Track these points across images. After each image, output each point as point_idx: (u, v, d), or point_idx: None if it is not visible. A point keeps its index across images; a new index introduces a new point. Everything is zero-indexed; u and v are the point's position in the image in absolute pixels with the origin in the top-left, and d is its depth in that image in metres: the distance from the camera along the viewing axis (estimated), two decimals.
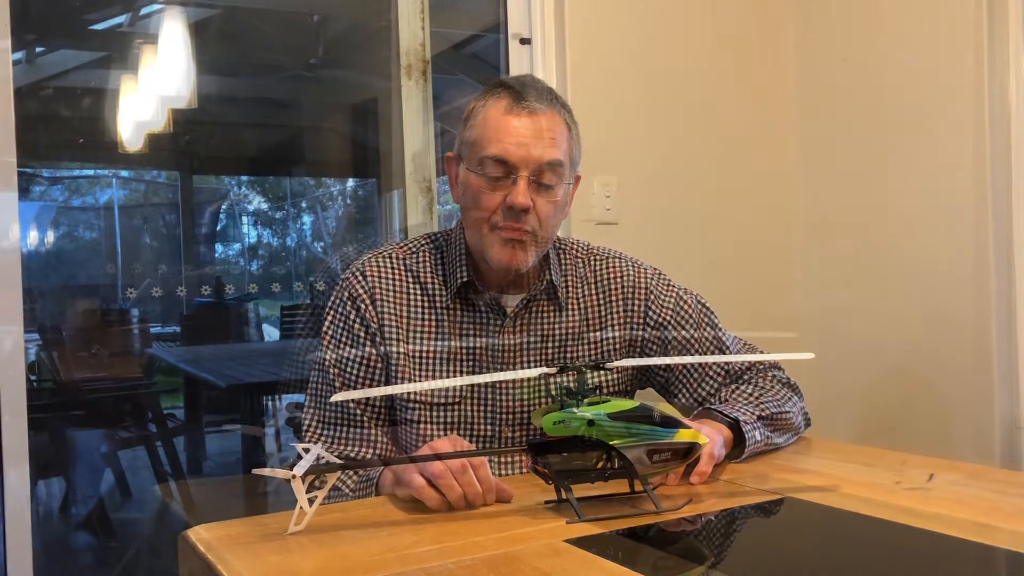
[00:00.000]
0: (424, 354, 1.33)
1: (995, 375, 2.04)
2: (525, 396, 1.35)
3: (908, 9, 2.21)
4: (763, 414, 1.30)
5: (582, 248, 1.44)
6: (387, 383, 1.32)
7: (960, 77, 2.09)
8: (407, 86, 2.08)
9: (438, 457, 1.05)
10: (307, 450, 0.99)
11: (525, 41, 2.19)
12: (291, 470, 0.97)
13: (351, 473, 1.25)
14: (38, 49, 3.23)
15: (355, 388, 1.31)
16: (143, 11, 3.24)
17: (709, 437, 1.15)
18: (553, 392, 1.33)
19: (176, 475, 3.06)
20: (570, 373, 1.07)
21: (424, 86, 2.11)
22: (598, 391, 1.38)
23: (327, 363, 1.33)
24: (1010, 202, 2.05)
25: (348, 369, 1.32)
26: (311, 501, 1.00)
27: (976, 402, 2.07)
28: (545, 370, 1.07)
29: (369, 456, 1.30)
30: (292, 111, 3.94)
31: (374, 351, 1.32)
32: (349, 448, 1.30)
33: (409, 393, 1.31)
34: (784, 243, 2.52)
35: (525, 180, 1.25)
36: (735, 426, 1.24)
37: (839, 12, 2.40)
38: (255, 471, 0.98)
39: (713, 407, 1.29)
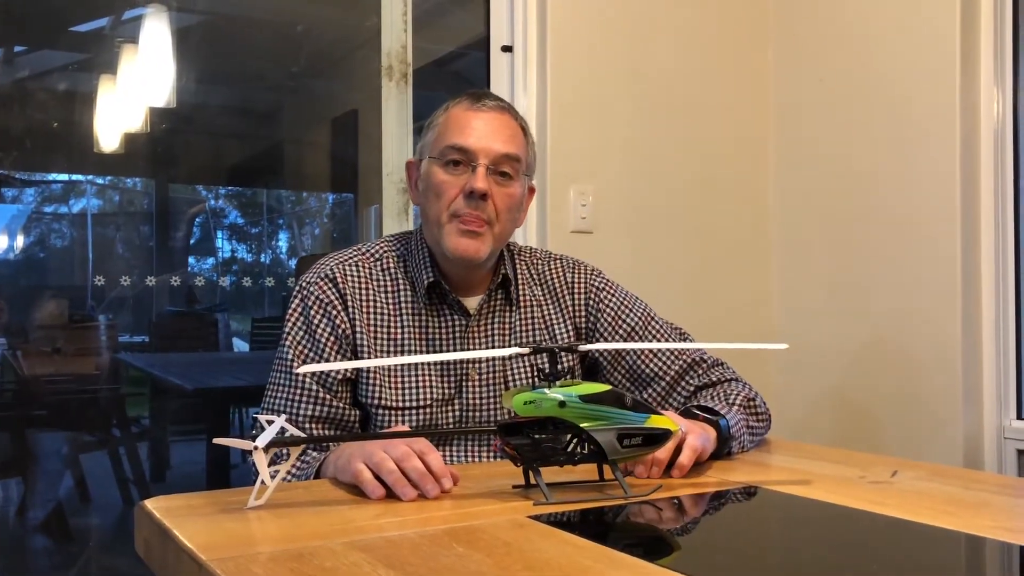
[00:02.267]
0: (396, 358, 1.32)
1: (961, 387, 2.06)
2: (494, 402, 1.35)
3: (883, 28, 2.26)
4: (738, 403, 1.32)
5: (525, 252, 1.48)
6: (357, 389, 1.31)
7: (933, 99, 2.13)
8: (387, 87, 2.09)
9: (399, 435, 1.04)
10: (270, 422, 0.98)
11: (507, 48, 2.21)
12: (253, 441, 0.96)
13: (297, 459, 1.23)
14: (16, 48, 3.21)
15: (329, 389, 1.29)
16: (125, 15, 3.23)
17: (691, 431, 1.15)
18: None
19: (138, 481, 3.00)
20: (542, 354, 1.07)
21: (404, 90, 2.12)
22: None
23: (295, 366, 1.29)
24: (977, 212, 2.09)
25: (325, 375, 1.29)
26: (273, 475, 0.99)
27: (946, 412, 2.09)
28: (518, 350, 1.06)
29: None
30: (273, 122, 3.93)
31: (348, 356, 1.31)
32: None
33: (379, 400, 1.30)
34: (760, 253, 2.55)
35: (484, 168, 1.29)
36: (719, 425, 1.24)
37: (816, 33, 2.45)
38: (215, 440, 0.97)
39: (692, 407, 1.29)
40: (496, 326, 1.38)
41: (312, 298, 1.33)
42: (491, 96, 1.37)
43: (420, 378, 1.32)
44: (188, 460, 3.39)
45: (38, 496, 2.89)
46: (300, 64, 3.52)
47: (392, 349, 1.33)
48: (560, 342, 1.40)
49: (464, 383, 1.34)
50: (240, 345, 4.20)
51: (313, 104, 3.81)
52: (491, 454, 1.33)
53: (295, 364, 1.30)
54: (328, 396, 1.28)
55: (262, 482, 0.97)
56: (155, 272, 3.59)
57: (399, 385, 1.31)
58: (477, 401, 1.34)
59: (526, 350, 1.07)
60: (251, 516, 0.94)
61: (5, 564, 2.71)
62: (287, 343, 1.32)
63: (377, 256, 1.39)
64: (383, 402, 1.30)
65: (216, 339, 3.83)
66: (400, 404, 1.30)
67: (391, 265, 1.38)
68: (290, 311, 1.35)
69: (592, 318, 1.44)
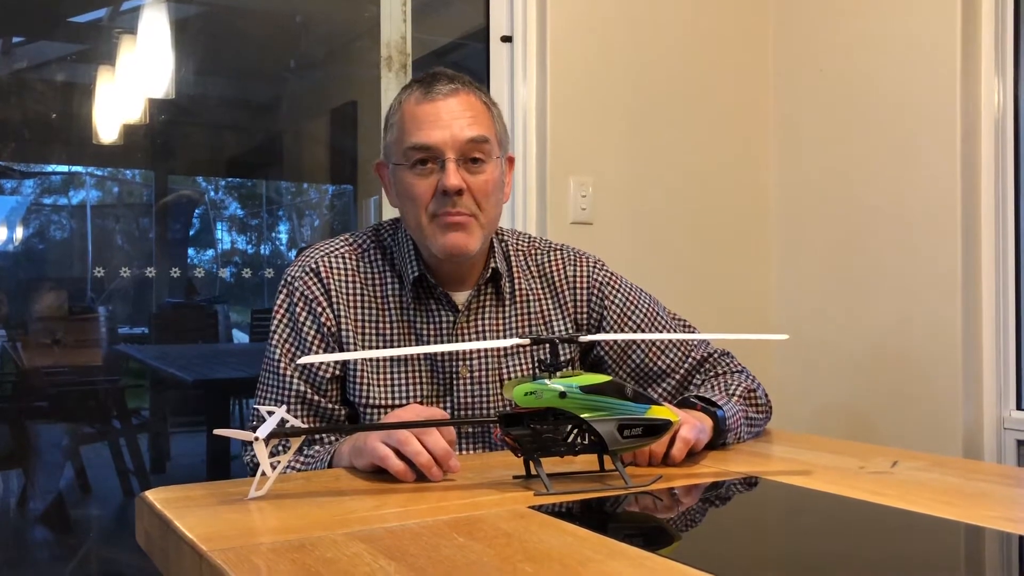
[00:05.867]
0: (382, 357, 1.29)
1: (961, 378, 2.06)
2: (486, 400, 1.33)
3: (884, 21, 2.25)
4: (739, 394, 1.31)
5: (523, 240, 1.42)
6: (345, 386, 1.30)
7: (934, 90, 2.13)
8: (387, 78, 2.09)
9: (403, 425, 1.04)
10: (271, 412, 0.98)
11: (507, 39, 2.21)
12: (254, 432, 0.96)
13: (300, 454, 1.24)
14: (14, 39, 3.20)
15: (318, 390, 1.28)
16: (124, 6, 3.22)
17: (686, 421, 1.15)
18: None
19: (139, 473, 3.00)
20: (543, 345, 1.07)
21: (404, 81, 2.12)
22: None
23: (282, 366, 1.28)
24: (978, 204, 2.09)
25: (311, 372, 1.28)
26: (274, 466, 0.99)
27: (946, 403, 2.09)
28: (518, 341, 1.06)
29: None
30: (272, 113, 3.92)
31: (334, 352, 1.29)
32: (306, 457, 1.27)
33: (367, 398, 1.28)
34: (760, 245, 2.54)
35: (452, 162, 1.24)
36: (716, 416, 1.23)
37: (816, 24, 2.44)
38: (216, 431, 0.97)
39: (691, 396, 1.29)
40: (487, 322, 1.34)
41: (297, 294, 1.31)
42: (442, 78, 1.28)
43: (409, 375, 1.30)
44: (188, 451, 3.39)
45: (38, 488, 2.89)
46: (299, 55, 3.51)
47: (379, 344, 1.30)
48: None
49: (454, 381, 1.31)
50: (240, 336, 4.20)
51: (312, 95, 3.80)
52: (487, 443, 1.33)
53: (282, 364, 1.29)
54: (317, 397, 1.27)
55: (262, 473, 0.97)
56: (155, 264, 3.58)
57: (387, 383, 1.29)
58: (468, 400, 1.31)
59: (525, 340, 1.07)
60: (252, 507, 0.94)
61: (6, 556, 2.72)
62: (274, 342, 1.31)
63: (364, 247, 1.35)
64: (371, 400, 1.28)
65: (216, 330, 3.83)
66: (389, 403, 1.28)
67: (378, 257, 1.34)
68: (276, 306, 1.33)
69: (597, 315, 1.40)
